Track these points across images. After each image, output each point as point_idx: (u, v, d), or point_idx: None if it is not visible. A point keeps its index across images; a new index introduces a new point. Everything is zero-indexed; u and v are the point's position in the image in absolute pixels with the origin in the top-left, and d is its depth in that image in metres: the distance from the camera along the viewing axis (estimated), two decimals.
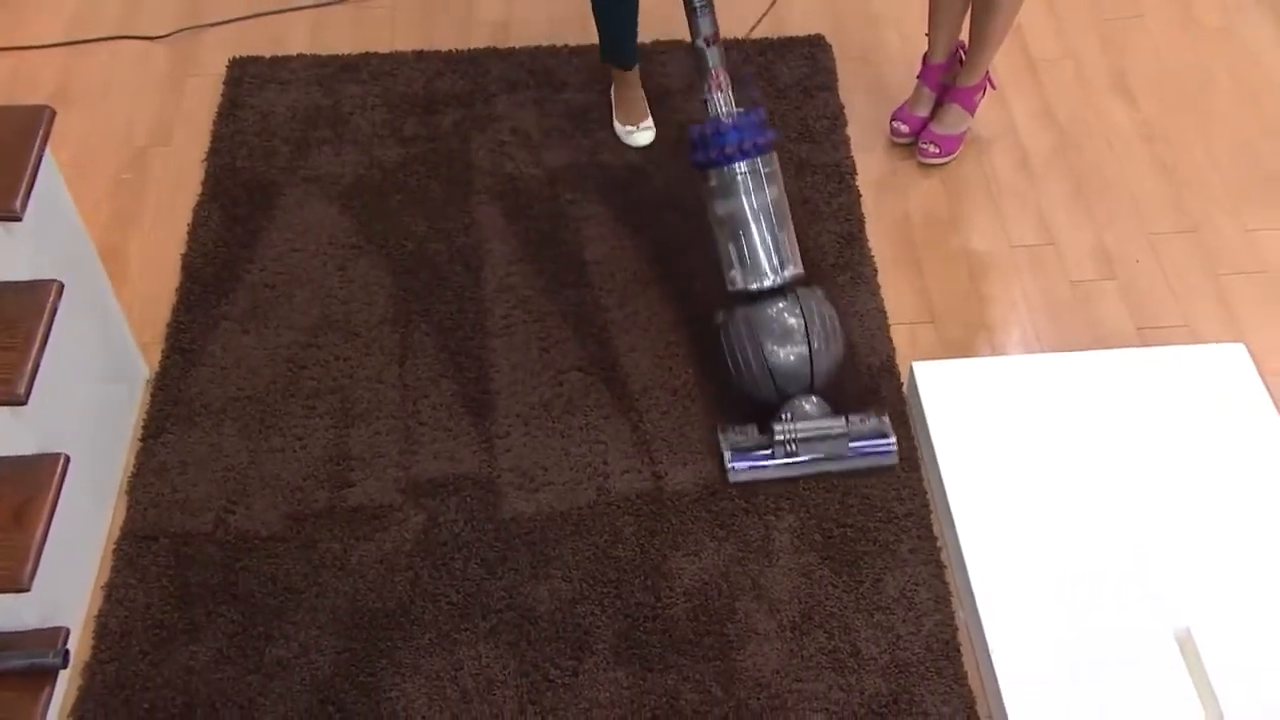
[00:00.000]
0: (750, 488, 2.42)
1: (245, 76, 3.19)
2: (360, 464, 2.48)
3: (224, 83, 3.19)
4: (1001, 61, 3.19)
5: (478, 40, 3.28)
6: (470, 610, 2.28)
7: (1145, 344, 2.62)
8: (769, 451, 2.40)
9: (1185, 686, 2.09)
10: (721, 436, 2.44)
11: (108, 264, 2.61)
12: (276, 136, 3.06)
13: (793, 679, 2.18)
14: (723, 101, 2.44)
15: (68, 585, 2.23)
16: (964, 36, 2.89)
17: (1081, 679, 2.10)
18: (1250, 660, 2.10)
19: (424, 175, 2.98)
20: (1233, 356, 2.53)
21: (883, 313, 2.71)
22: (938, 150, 2.96)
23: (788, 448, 2.38)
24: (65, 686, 2.18)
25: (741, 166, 2.41)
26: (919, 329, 2.70)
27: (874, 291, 2.74)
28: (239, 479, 2.45)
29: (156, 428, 2.53)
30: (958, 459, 2.39)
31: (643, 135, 3.03)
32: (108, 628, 2.26)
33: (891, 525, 2.37)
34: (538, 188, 2.95)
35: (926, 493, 2.42)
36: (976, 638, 2.22)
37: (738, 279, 2.44)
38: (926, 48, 2.95)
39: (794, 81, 3.16)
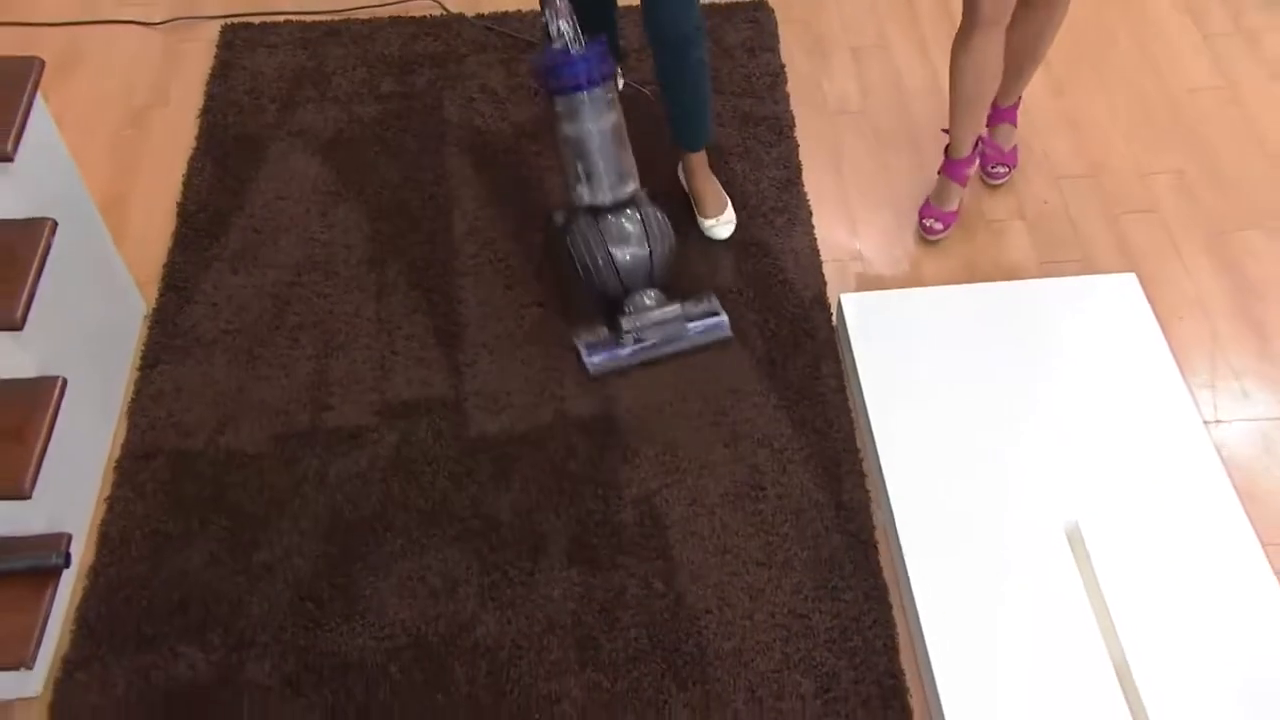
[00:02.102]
0: (703, 410, 2.44)
1: (237, 40, 3.17)
2: (339, 389, 2.48)
3: (217, 46, 3.17)
4: (930, 23, 3.20)
5: (450, 5, 3.26)
6: (438, 518, 2.30)
7: (1047, 275, 2.63)
8: (619, 343, 2.48)
9: (1072, 574, 2.12)
10: (576, 339, 2.51)
11: (110, 211, 2.62)
12: (265, 95, 3.04)
13: (728, 573, 2.21)
14: (566, 28, 2.36)
15: (72, 497, 2.25)
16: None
17: (983, 569, 2.13)
18: (1129, 551, 2.14)
19: (399, 129, 2.96)
20: (1125, 285, 2.54)
21: (816, 251, 2.71)
22: (1007, 169, 2.83)
23: (635, 336, 2.46)
24: (71, 587, 2.21)
25: (588, 96, 2.37)
26: (848, 265, 2.70)
27: (808, 231, 2.74)
28: (229, 403, 2.46)
29: (154, 358, 2.53)
30: (879, 379, 2.41)
31: None
32: (109, 535, 2.27)
33: (819, 439, 2.40)
34: (504, 140, 2.94)
35: (851, 411, 2.44)
36: (891, 536, 2.24)
37: (585, 195, 2.45)
38: (948, 142, 2.66)
39: (739, 42, 3.14)
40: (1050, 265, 2.66)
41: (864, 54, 3.15)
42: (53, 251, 2.06)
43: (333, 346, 2.55)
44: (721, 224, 2.73)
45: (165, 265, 2.69)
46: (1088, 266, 2.67)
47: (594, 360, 2.47)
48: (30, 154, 2.04)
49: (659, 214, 2.51)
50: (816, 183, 2.85)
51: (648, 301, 2.49)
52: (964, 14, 2.41)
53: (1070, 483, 2.24)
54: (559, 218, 2.55)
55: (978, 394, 2.37)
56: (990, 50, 2.44)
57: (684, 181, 2.79)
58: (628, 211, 2.47)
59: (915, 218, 2.76)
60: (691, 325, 2.50)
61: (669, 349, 2.50)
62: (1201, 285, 2.65)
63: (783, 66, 3.11)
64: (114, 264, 2.50)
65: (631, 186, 2.48)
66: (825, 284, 2.65)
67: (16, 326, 1.95)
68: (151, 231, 2.75)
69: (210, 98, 3.05)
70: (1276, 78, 3.07)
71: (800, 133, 2.95)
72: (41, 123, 2.13)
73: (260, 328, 2.58)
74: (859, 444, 2.40)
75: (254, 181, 2.85)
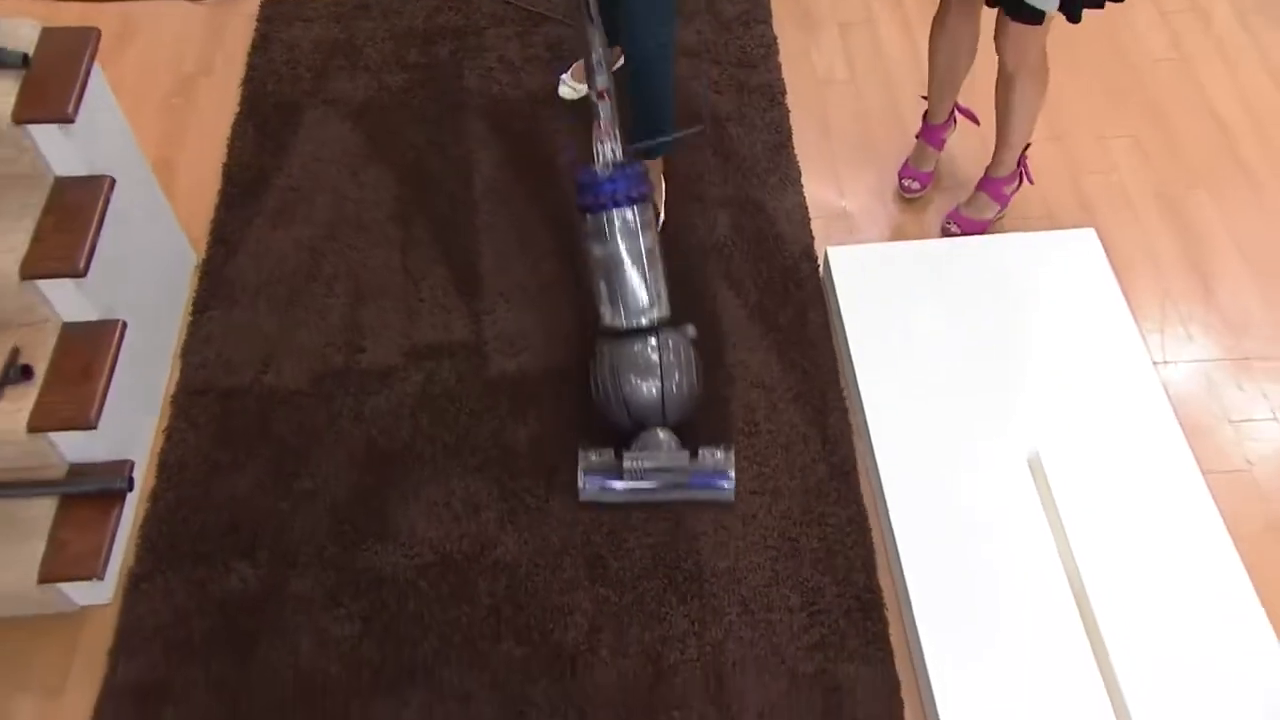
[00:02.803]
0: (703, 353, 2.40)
1: (275, 15, 3.15)
2: (370, 334, 2.50)
3: (257, 20, 3.15)
4: (913, 1, 3.17)
5: None
6: (461, 450, 2.32)
7: (1014, 231, 2.63)
8: (618, 476, 2.20)
9: (1033, 499, 2.16)
10: (581, 455, 2.22)
11: (161, 172, 2.62)
12: (301, 65, 3.03)
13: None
14: (608, 151, 2.22)
15: (134, 429, 2.28)
16: (959, 99, 2.65)
17: (953, 494, 2.16)
18: (1085, 479, 2.17)
19: (424, 97, 2.96)
20: (1084, 239, 2.55)
21: (804, 208, 2.71)
22: (959, 230, 2.62)
23: (635, 475, 2.19)
24: (134, 509, 2.24)
25: (617, 215, 2.19)
26: (834, 221, 2.71)
27: (798, 190, 2.74)
28: (271, 346, 2.48)
29: (204, 304, 2.55)
30: (861, 324, 2.42)
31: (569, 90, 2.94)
32: (167, 463, 2.31)
33: (806, 379, 2.41)
34: (519, 107, 2.94)
35: (835, 353, 2.46)
36: (871, 466, 2.27)
37: (607, 317, 2.22)
38: (926, 109, 2.67)
39: (735, 16, 3.13)
40: (1017, 221, 2.67)
41: (851, 29, 3.13)
42: (111, 206, 2.08)
43: (364, 295, 2.56)
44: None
45: (212, 221, 2.70)
46: (1051, 222, 2.67)
47: (587, 486, 2.21)
48: (89, 117, 2.05)
49: (685, 348, 2.22)
50: (806, 146, 2.85)
51: (660, 438, 2.19)
52: None
53: (1032, 416, 2.26)
54: (600, 345, 2.27)
55: (950, 337, 2.38)
56: (962, 30, 2.44)
57: None
58: (651, 341, 2.19)
59: (895, 178, 2.77)
60: (694, 481, 2.20)
61: (663, 497, 2.22)
62: (1154, 240, 2.66)
63: (775, 39, 3.09)
64: (167, 219, 2.51)
65: (656, 314, 2.21)
66: (813, 238, 2.65)
67: (80, 274, 1.97)
68: (200, 190, 2.76)
69: (251, 68, 3.03)
70: (1223, 49, 3.06)
71: (791, 100, 2.94)
72: (99, 89, 2.14)
73: (298, 278, 2.59)
74: (842, 384, 2.41)
75: (292, 145, 2.85)
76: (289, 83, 3.00)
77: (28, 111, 1.91)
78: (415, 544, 2.19)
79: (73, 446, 2.08)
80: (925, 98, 2.66)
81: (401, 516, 2.23)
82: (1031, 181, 2.65)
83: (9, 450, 2.00)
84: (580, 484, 2.21)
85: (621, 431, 2.24)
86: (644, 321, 2.21)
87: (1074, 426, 2.25)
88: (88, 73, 1.99)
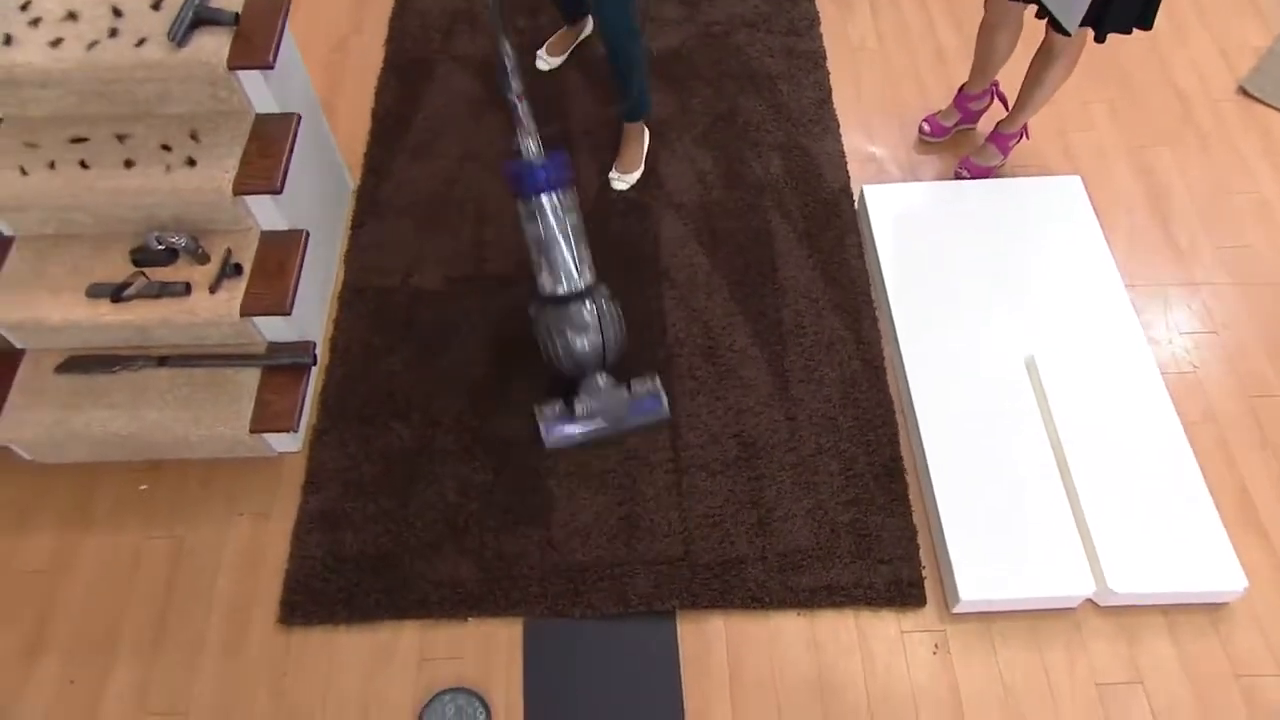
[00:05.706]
0: (758, 268, 2.40)
1: None
2: (492, 248, 2.49)
3: None
4: None
5: None
6: None
7: (1015, 175, 2.58)
8: (573, 420, 2.13)
9: (1028, 391, 2.15)
10: (536, 410, 2.14)
11: (325, 114, 2.58)
12: (431, 28, 2.97)
13: (778, 387, 2.24)
14: (532, 145, 2.05)
15: (313, 317, 2.30)
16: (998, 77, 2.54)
17: (963, 386, 2.16)
18: (1070, 376, 2.16)
19: (531, 55, 2.89)
20: (1071, 184, 2.49)
21: (843, 153, 2.65)
22: (969, 174, 2.54)
23: (587, 417, 2.12)
24: (316, 380, 2.27)
25: (546, 200, 2.05)
26: (865, 164, 2.66)
27: (837, 138, 2.69)
28: (414, 255, 2.48)
29: (360, 220, 2.55)
30: (889, 248, 2.39)
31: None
32: (337, 345, 2.33)
33: (844, 292, 2.39)
34: (602, 65, 2.84)
35: (868, 275, 2.44)
36: (897, 363, 2.27)
37: (547, 285, 2.09)
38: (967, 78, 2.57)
39: None
40: (1017, 169, 2.61)
41: (880, 6, 3.03)
42: (297, 139, 2.06)
43: (486, 217, 2.54)
44: (618, 179, 2.53)
45: (365, 154, 2.67)
46: (1044, 170, 2.61)
47: (550, 435, 2.12)
48: (282, 66, 2.02)
49: (613, 305, 2.14)
50: (843, 102, 2.78)
51: (599, 384, 2.12)
52: None
53: (1029, 325, 2.25)
54: (532, 309, 2.18)
55: (963, 261, 2.36)
56: (1002, 27, 2.34)
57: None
58: (585, 303, 2.09)
59: (916, 131, 2.70)
60: (634, 409, 2.13)
61: (615, 429, 2.14)
62: (1125, 185, 2.60)
63: (817, 13, 2.99)
64: (332, 151, 2.49)
65: (588, 278, 2.10)
66: (849, 178, 2.61)
67: (277, 191, 1.97)
68: (354, 129, 2.73)
69: (392, 30, 2.97)
70: (1182, 29, 2.95)
71: (831, 64, 2.87)
72: (288, 43, 2.11)
73: (434, 201, 2.57)
74: (874, 295, 2.40)
75: (426, 94, 2.80)
76: (422, 43, 2.93)
77: (238, 60, 1.88)
78: (530, 413, 2.20)
79: (271, 329, 2.10)
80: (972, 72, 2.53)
81: (519, 391, 2.24)
82: (1029, 138, 2.59)
83: (226, 330, 2.02)
84: (544, 434, 2.11)
85: (566, 380, 2.16)
86: (577, 287, 2.08)
87: (1062, 334, 2.23)
88: (283, 29, 1.95)
